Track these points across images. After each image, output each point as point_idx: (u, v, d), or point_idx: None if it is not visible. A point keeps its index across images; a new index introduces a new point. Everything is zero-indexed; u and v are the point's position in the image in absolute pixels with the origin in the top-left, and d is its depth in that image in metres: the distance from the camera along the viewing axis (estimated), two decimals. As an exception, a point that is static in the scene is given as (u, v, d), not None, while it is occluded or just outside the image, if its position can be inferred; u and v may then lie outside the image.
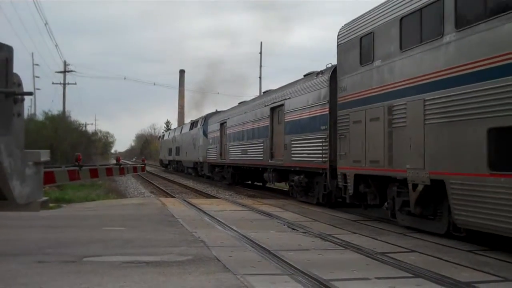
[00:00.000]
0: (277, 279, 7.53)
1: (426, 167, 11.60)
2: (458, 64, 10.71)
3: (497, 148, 9.57)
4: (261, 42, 65.59)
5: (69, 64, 62.80)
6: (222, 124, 35.80)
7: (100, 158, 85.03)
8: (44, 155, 7.01)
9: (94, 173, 28.64)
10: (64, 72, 61.73)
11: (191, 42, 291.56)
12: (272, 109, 24.63)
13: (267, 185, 30.62)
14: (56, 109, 66.01)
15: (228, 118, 34.22)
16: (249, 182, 33.83)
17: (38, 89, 76.29)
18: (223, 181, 35.70)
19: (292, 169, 21.45)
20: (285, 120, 22.34)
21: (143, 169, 46.95)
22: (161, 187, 35.66)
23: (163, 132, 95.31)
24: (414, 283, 7.48)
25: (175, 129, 67.38)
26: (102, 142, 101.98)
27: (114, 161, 39.78)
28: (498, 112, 9.42)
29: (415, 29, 12.34)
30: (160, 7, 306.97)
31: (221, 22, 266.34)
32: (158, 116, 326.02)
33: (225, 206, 18.58)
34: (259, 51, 60.03)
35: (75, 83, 78.74)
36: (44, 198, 7.33)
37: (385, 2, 13.83)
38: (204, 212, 16.18)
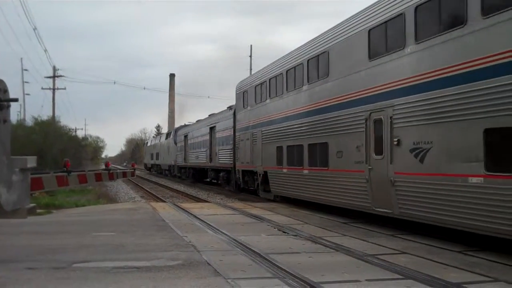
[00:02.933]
0: (268, 282, 7.52)
1: (263, 165, 22.51)
2: (270, 114, 21.53)
3: (278, 154, 20.47)
4: (251, 45, 65.88)
5: (58, 69, 62.50)
6: (186, 136, 47.35)
7: (90, 163, 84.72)
8: (31, 162, 7.00)
9: (82, 178, 28.51)
10: (54, 77, 61.43)
11: (181, 47, 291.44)
12: (211, 128, 37.25)
13: (209, 180, 40.86)
14: (45, 115, 65.66)
15: (189, 132, 46.34)
16: (208, 179, 41.66)
17: (28, 94, 76.21)
18: (187, 179, 47.09)
19: (219, 168, 34.51)
20: (216, 137, 35.32)
21: (132, 174, 46.82)
22: (151, 192, 35.58)
23: (147, 139, 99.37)
24: (405, 284, 7.50)
25: (156, 137, 78.81)
26: (92, 147, 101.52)
27: (104, 166, 39.68)
28: (278, 139, 20.45)
29: (260, 93, 23.20)
30: (150, 13, 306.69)
31: (212, 27, 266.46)
32: (148, 121, 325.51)
33: (215, 210, 18.57)
34: (249, 55, 60.07)
35: (65, 88, 78.52)
36: (31, 205, 7.28)
37: (251, 76, 26.09)
38: (195, 216, 16.16)
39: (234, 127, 28.57)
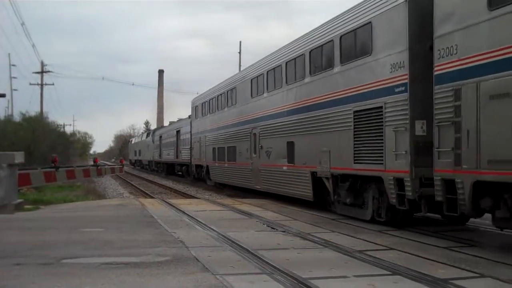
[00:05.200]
0: (256, 278, 7.55)
1: (206, 160, 31.06)
2: (210, 124, 30.12)
3: (213, 153, 29.00)
4: (240, 42, 65.91)
5: (46, 65, 62.11)
6: (160, 136, 57.08)
7: (79, 159, 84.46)
8: (19, 157, 6.94)
9: (70, 174, 28.47)
10: (42, 72, 61.05)
11: (170, 43, 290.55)
12: (177, 131, 46.27)
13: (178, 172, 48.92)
14: (33, 110, 65.36)
15: (163, 133, 56.56)
16: (176, 172, 48.95)
17: (15, 90, 75.61)
18: (162, 172, 55.79)
19: (182, 163, 43.53)
20: (180, 138, 44.54)
21: (121, 170, 46.81)
22: (140, 188, 35.49)
23: (134, 136, 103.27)
24: (392, 280, 7.55)
25: (139, 136, 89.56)
26: (80, 143, 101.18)
27: (92, 162, 39.68)
28: (213, 142, 29.32)
29: (205, 108, 31.69)
30: (138, 7, 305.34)
31: (200, 22, 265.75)
32: (137, 117, 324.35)
33: (204, 206, 18.56)
34: (238, 51, 59.98)
35: (53, 84, 77.86)
36: (19, 200, 7.20)
37: (201, 94, 34.05)
38: (184, 212, 16.15)
39: (190, 132, 37.31)
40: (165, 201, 20.84)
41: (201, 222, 13.67)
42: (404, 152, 11.87)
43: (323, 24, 16.45)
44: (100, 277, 7.41)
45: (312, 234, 11.83)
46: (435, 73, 10.82)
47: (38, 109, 60.23)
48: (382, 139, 12.65)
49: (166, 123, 74.68)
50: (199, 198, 24.41)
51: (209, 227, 12.71)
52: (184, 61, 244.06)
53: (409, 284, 7.38)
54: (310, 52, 16.96)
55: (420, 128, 11.73)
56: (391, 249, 10.06)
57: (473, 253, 9.60)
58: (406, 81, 11.94)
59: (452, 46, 10.45)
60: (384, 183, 12.53)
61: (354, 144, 13.91)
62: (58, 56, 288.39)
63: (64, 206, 19.74)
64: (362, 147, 13.58)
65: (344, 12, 14.95)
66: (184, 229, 12.40)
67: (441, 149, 10.59)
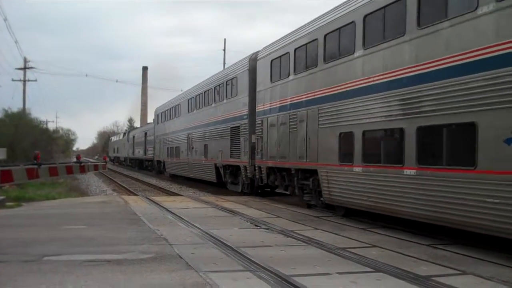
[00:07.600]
0: (240, 275, 7.55)
1: (163, 157, 41.63)
2: (167, 129, 40.27)
3: (167, 151, 39.89)
4: (225, 39, 65.80)
5: (29, 61, 61.51)
6: (134, 136, 66.39)
7: (62, 156, 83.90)
8: (1, 154, 6.88)
9: (53, 171, 28.24)
10: (24, 68, 60.45)
11: (153, 39, 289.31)
12: (145, 133, 55.01)
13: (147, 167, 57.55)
14: (16, 107, 64.62)
15: (135, 134, 66.02)
16: (150, 168, 55.43)
17: (-3, 86, 74.57)
18: (135, 167, 64.62)
19: (149, 159, 52.95)
20: (147, 139, 53.00)
21: (104, 167, 46.58)
22: (123, 185, 35.29)
23: (118, 133, 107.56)
24: (375, 277, 7.59)
25: (117, 135, 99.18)
26: (63, 140, 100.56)
27: (75, 159, 39.46)
28: (169, 143, 39.50)
29: (164, 116, 41.93)
30: (123, 4, 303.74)
31: (185, 19, 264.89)
32: (121, 113, 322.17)
33: (188, 204, 18.52)
34: (223, 48, 59.97)
35: (36, 80, 77.19)
36: (1, 198, 7.11)
37: (163, 104, 43.75)
38: (167, 210, 16.10)
39: (154, 134, 46.41)
40: (149, 199, 20.77)
41: (185, 220, 13.64)
42: (246, 152, 21.63)
43: (221, 71, 27.48)
44: (83, 275, 7.37)
45: (295, 231, 11.86)
46: (256, 110, 20.49)
47: (21, 106, 59.70)
48: (239, 144, 22.72)
49: (150, 120, 75.51)
50: (183, 196, 24.33)
51: (193, 225, 12.69)
52: (170, 58, 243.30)
53: (392, 281, 7.43)
54: (214, 88, 27.18)
55: (254, 139, 20.61)
56: (374, 246, 10.12)
57: (456, 251, 9.69)
58: (247, 112, 21.81)
59: (262, 97, 19.97)
60: (241, 169, 22.60)
61: (230, 146, 23.99)
62: (42, 53, 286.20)
63: (46, 203, 19.58)
64: (233, 148, 23.63)
65: (229, 67, 26.15)
66: (168, 227, 12.36)
67: (257, 150, 20.13)
